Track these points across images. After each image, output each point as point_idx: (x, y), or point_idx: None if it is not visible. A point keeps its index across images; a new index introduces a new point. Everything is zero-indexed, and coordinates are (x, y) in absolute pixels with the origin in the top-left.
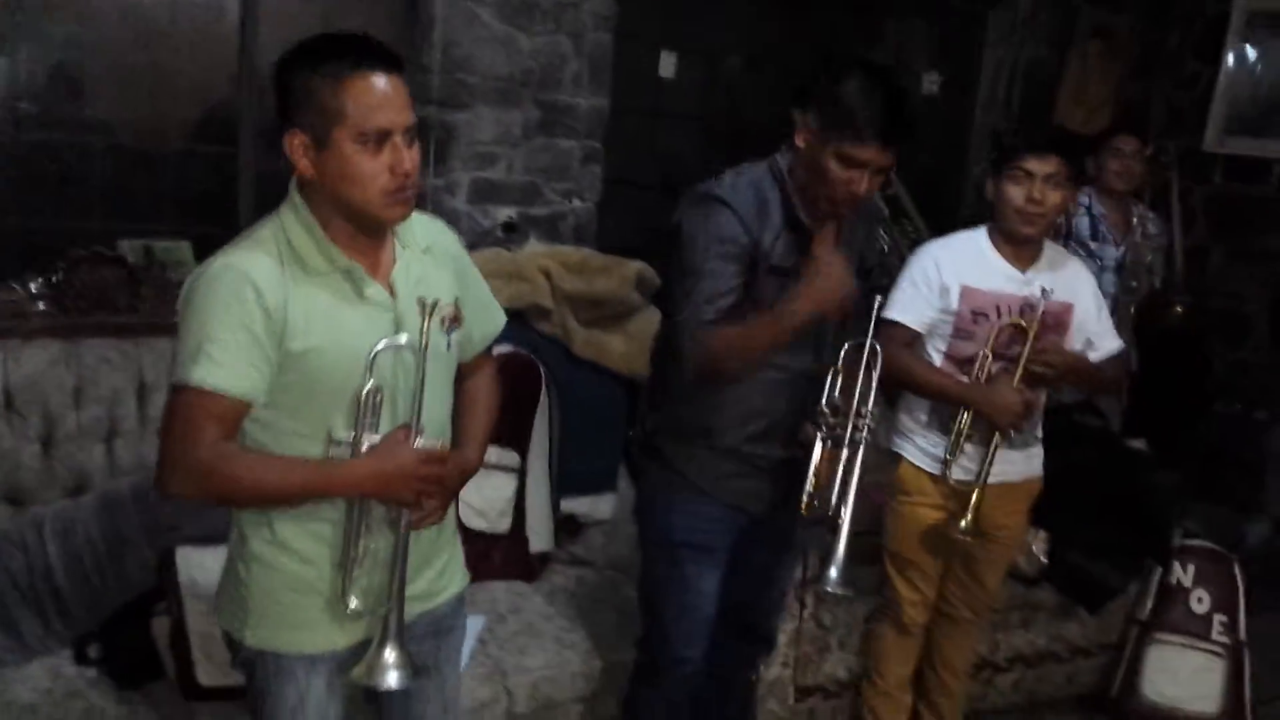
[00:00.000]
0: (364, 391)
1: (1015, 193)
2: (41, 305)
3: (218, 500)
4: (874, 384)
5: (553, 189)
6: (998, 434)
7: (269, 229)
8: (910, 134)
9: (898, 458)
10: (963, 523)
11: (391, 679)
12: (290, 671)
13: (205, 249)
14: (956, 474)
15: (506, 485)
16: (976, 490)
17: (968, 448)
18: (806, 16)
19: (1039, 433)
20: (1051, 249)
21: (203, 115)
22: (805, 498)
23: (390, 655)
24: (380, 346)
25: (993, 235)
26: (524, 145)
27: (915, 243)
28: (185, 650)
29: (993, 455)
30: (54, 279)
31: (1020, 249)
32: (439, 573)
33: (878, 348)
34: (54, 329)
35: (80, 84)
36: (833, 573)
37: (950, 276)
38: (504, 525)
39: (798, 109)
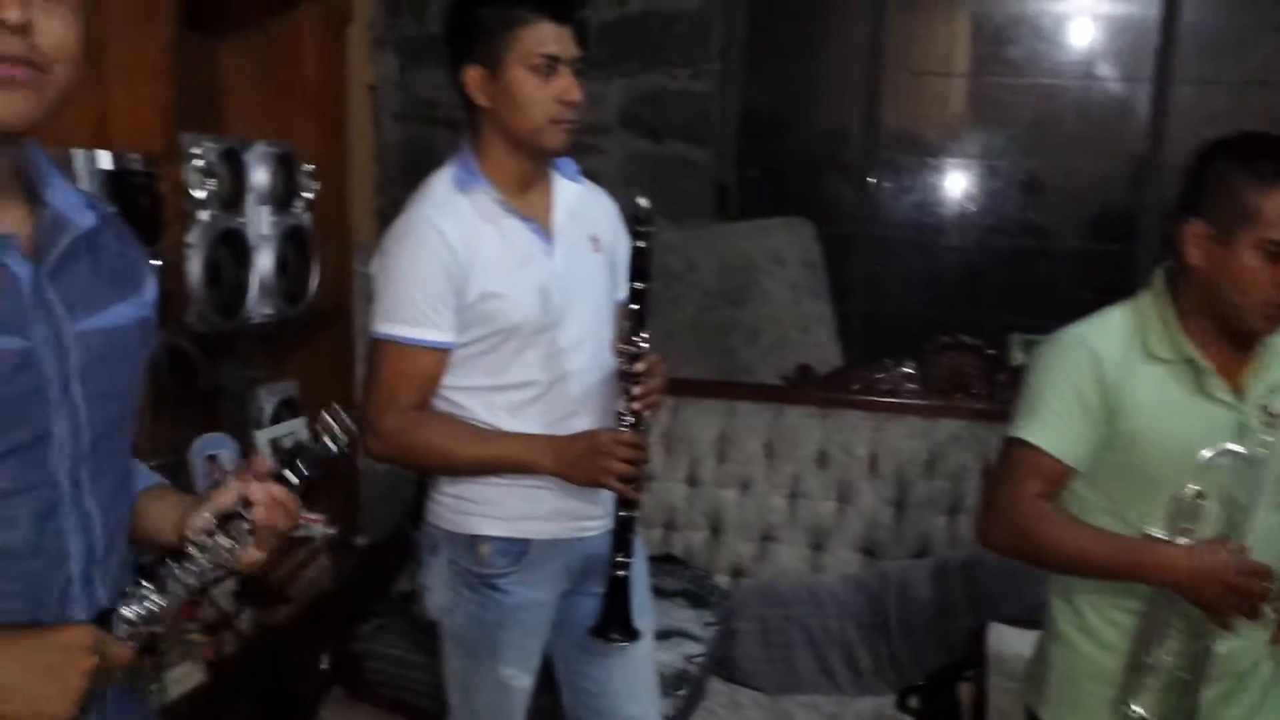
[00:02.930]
0: (1185, 492)
1: None
2: (909, 385)
3: (1024, 556)
4: None
5: None
6: None
7: (1123, 310)
8: None
9: None
10: None
11: None
12: None
13: None
14: None
15: None
16: None
17: None
18: None
19: None
20: None
21: (1100, 212)
22: None
23: None
24: (1213, 451)
25: None
26: None
27: None
28: (982, 719)
29: None
30: (921, 362)
31: None
32: (1257, 701)
33: None
34: (916, 407)
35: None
36: None
37: None
38: None
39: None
